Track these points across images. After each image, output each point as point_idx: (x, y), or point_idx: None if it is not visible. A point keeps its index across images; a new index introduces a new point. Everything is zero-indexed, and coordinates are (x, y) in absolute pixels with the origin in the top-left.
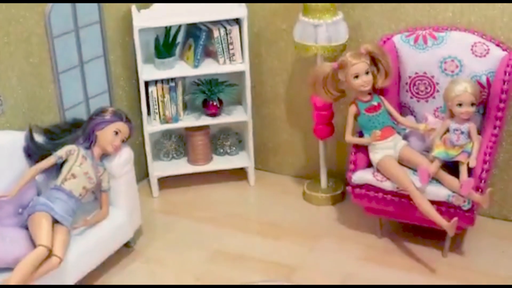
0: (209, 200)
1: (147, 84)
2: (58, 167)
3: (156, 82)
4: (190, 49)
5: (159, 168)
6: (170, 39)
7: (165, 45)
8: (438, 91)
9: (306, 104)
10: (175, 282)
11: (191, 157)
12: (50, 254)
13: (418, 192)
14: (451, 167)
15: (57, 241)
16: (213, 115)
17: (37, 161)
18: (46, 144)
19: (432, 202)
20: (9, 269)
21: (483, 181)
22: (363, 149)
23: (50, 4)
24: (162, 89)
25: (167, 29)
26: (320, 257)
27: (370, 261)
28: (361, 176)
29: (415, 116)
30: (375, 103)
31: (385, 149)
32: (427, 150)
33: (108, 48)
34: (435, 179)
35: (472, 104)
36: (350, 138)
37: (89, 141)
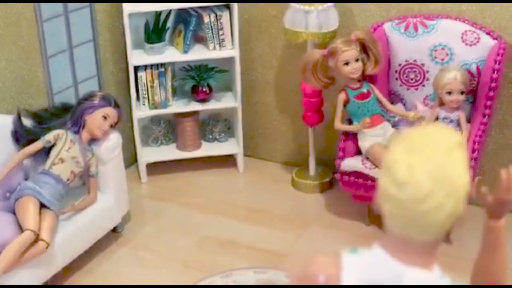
0: (197, 186)
1: (136, 69)
2: (46, 151)
3: (145, 67)
4: (180, 34)
5: (147, 154)
6: (160, 24)
7: (155, 30)
8: (428, 79)
9: (296, 91)
10: (163, 268)
11: (180, 143)
12: (37, 238)
13: None
14: None
15: (45, 226)
16: (203, 101)
17: (25, 145)
18: (34, 128)
19: None
20: None
21: (472, 169)
22: (352, 136)
23: None
24: (152, 74)
25: (157, 14)
26: (308, 244)
27: None
28: (350, 163)
29: (404, 104)
30: (364, 91)
31: (374, 137)
32: None
33: (98, 33)
34: None
35: (462, 93)
36: (339, 125)
37: (78, 125)
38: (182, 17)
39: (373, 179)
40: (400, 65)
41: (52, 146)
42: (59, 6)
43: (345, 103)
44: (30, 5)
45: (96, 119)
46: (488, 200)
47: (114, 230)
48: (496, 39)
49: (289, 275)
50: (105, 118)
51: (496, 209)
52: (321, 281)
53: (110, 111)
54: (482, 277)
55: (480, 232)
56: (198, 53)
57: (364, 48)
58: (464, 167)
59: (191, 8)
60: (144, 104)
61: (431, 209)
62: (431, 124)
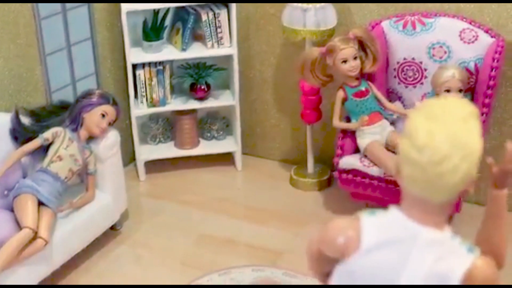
0: (195, 184)
1: (134, 67)
2: (44, 149)
3: (143, 65)
4: (178, 32)
5: (145, 152)
6: (158, 22)
7: (153, 28)
8: (426, 77)
9: (294, 89)
10: (161, 266)
11: (178, 141)
12: (35, 236)
13: None
14: None
15: (43, 223)
16: (201, 99)
17: (23, 143)
18: (32, 126)
19: None
20: None
21: None
22: (351, 134)
23: None
24: (150, 72)
25: (155, 12)
26: (306, 242)
27: None
28: (348, 161)
29: (402, 102)
30: (363, 88)
31: (372, 135)
32: None
33: (96, 31)
34: None
35: (460, 90)
36: (338, 123)
37: (76, 123)
38: (180, 15)
39: (371, 177)
40: (398, 63)
41: (50, 144)
42: (57, 4)
43: (344, 101)
44: (28, 3)
45: (94, 117)
46: (493, 171)
47: (112, 228)
48: (494, 37)
49: (311, 241)
50: (103, 116)
51: (500, 179)
52: (341, 242)
53: (108, 109)
54: (486, 246)
55: (477, 230)
56: (196, 51)
57: (362, 46)
58: (478, 134)
59: (189, 6)
60: (142, 102)
61: (448, 171)
62: (448, 96)
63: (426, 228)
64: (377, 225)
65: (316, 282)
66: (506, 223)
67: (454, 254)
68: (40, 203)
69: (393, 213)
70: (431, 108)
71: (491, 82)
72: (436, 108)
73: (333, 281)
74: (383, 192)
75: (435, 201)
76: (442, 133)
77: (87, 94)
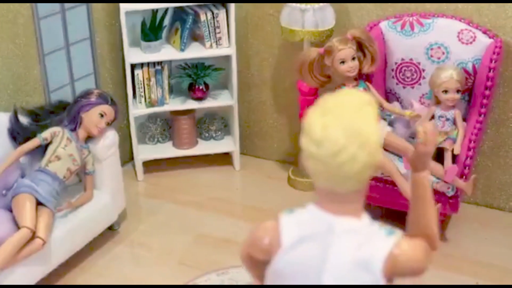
0: (194, 184)
1: (133, 67)
2: (42, 149)
3: (142, 65)
4: (176, 32)
5: (144, 152)
6: (157, 22)
7: (152, 28)
8: (424, 77)
9: (292, 89)
10: (159, 266)
11: (176, 141)
12: (33, 236)
13: (403, 178)
14: (436, 153)
15: (41, 223)
16: (199, 99)
17: (21, 143)
18: (30, 125)
19: None
20: None
21: (467, 167)
22: None
23: None
24: (148, 72)
25: (154, 12)
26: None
27: None
28: None
29: (400, 103)
30: (361, 89)
31: None
32: (412, 137)
33: (95, 30)
34: None
35: (458, 91)
36: None
37: (74, 123)
38: (179, 15)
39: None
40: (396, 63)
41: (49, 143)
42: (56, 4)
43: None
44: (27, 3)
45: (92, 117)
46: (409, 155)
47: (110, 228)
48: (492, 38)
49: (243, 246)
50: (102, 115)
51: (418, 161)
52: (266, 243)
53: (107, 108)
54: (415, 228)
55: (478, 233)
56: (195, 51)
57: (360, 47)
58: (373, 121)
59: (187, 6)
60: (140, 102)
61: (346, 161)
62: (343, 90)
63: (342, 218)
64: (295, 222)
65: None
66: (432, 204)
67: (374, 239)
68: (39, 203)
69: (309, 208)
70: (325, 103)
71: (489, 83)
72: (329, 102)
73: (267, 283)
74: (380, 193)
75: (343, 191)
76: (336, 125)
77: (86, 94)
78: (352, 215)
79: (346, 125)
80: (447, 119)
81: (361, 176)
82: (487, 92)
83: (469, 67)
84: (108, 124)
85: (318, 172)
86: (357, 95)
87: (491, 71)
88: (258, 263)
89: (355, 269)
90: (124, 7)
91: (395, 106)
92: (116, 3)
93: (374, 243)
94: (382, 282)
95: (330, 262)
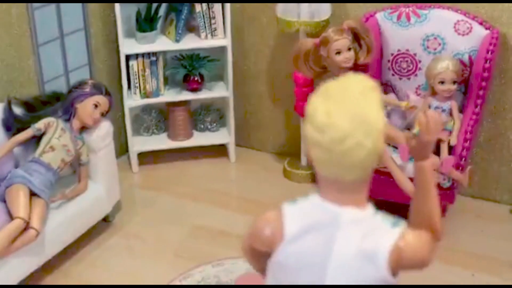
0: (189, 176)
1: (128, 58)
2: (36, 139)
3: (137, 56)
4: (171, 23)
5: (139, 143)
6: (152, 13)
7: (147, 19)
8: (420, 68)
9: (288, 80)
10: (154, 258)
11: (171, 132)
12: (27, 226)
13: (399, 170)
14: None
15: (35, 214)
16: (194, 90)
17: (15, 134)
18: (24, 116)
19: (412, 180)
20: None
21: (463, 159)
22: None
23: None
24: (143, 63)
25: (149, 3)
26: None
27: None
28: None
29: (396, 94)
30: None
31: None
32: (408, 128)
33: (89, 21)
34: None
35: (454, 82)
36: None
37: (68, 113)
38: (174, 6)
39: None
40: (392, 54)
41: (43, 134)
42: None
43: None
44: None
45: (87, 107)
46: (412, 144)
47: (105, 219)
48: (489, 29)
49: (244, 238)
50: (96, 106)
51: (420, 150)
52: (268, 234)
53: (101, 99)
54: (418, 219)
55: (474, 225)
56: (190, 42)
57: (356, 38)
58: (378, 107)
59: None
60: (135, 93)
61: (352, 148)
62: (346, 75)
63: (346, 208)
64: (298, 213)
65: None
66: (435, 194)
67: (379, 230)
68: (32, 194)
69: (313, 198)
70: (328, 89)
71: (485, 74)
72: (332, 88)
73: (267, 277)
74: (376, 184)
75: (347, 180)
76: (340, 111)
77: (80, 84)
78: (356, 205)
79: (350, 111)
80: (443, 110)
81: (366, 164)
82: (483, 84)
83: (466, 58)
84: (103, 115)
85: (322, 161)
86: (360, 80)
87: (488, 62)
88: (260, 255)
89: (360, 260)
90: None
91: (391, 98)
92: None
93: (379, 234)
94: (387, 274)
95: (335, 253)
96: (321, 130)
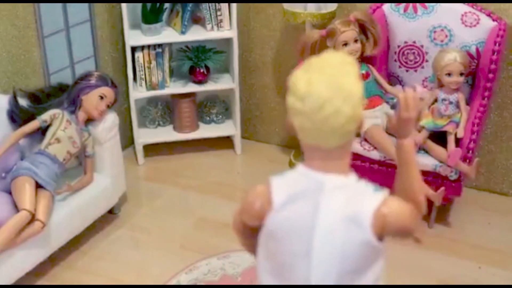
0: (194, 168)
1: (133, 49)
2: (42, 131)
3: (142, 48)
4: (177, 15)
5: (144, 135)
6: (158, 4)
7: (153, 10)
8: (427, 60)
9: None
10: (160, 250)
11: (177, 124)
12: (33, 218)
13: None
14: (439, 137)
15: (40, 206)
16: (200, 82)
17: (21, 125)
18: (30, 108)
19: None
20: None
21: (470, 151)
22: None
23: None
24: (149, 55)
25: None
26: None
27: None
28: None
29: (403, 86)
30: (363, 72)
31: (372, 118)
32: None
33: (95, 13)
34: (422, 149)
35: (461, 74)
36: None
37: (74, 105)
38: None
39: (371, 161)
40: (399, 46)
41: (48, 126)
42: None
43: None
44: None
45: (92, 99)
46: (392, 122)
47: (111, 211)
48: (496, 20)
49: (234, 215)
50: (102, 98)
51: (401, 128)
52: (258, 206)
53: (107, 91)
54: (402, 194)
55: (481, 218)
56: (196, 34)
57: (363, 29)
58: (356, 77)
59: None
60: (141, 85)
61: (331, 114)
62: (326, 51)
63: (330, 176)
64: (285, 183)
65: None
66: (416, 170)
67: (362, 195)
68: (38, 186)
69: (298, 169)
70: (310, 62)
71: (493, 66)
72: (314, 61)
73: (259, 250)
74: (383, 176)
75: (329, 146)
76: (320, 80)
77: (86, 76)
78: (339, 172)
79: (329, 80)
80: (450, 102)
81: (346, 130)
82: (490, 76)
83: (473, 50)
84: (108, 107)
85: (304, 128)
86: (339, 55)
87: (495, 54)
88: (250, 231)
89: (346, 224)
90: None
91: (397, 89)
92: None
93: (363, 198)
94: (372, 236)
95: (321, 219)
96: (302, 98)
